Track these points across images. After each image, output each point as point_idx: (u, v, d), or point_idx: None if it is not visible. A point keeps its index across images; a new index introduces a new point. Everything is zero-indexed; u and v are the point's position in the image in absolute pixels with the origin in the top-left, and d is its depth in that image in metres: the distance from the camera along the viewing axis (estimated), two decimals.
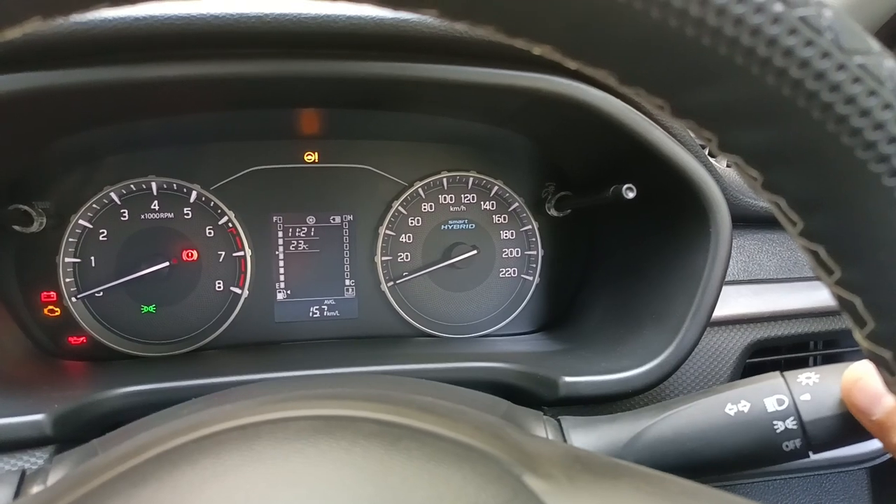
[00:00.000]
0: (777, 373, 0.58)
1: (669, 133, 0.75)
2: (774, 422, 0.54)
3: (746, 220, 0.89)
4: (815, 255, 0.29)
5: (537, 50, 0.29)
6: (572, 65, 0.30)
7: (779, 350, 0.89)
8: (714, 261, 0.72)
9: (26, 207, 0.83)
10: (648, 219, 0.84)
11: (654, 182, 0.78)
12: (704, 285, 0.72)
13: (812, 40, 0.25)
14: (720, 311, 0.76)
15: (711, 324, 0.75)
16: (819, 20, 0.25)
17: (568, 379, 0.73)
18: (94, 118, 0.78)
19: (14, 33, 0.26)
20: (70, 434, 0.68)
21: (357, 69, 0.68)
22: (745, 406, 0.56)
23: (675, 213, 0.78)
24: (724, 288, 0.74)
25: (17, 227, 0.84)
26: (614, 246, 0.95)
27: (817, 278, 0.31)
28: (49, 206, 0.88)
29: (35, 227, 0.85)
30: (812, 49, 0.25)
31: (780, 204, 0.29)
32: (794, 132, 0.27)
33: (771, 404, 0.55)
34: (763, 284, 0.88)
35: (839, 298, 0.30)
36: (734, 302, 0.84)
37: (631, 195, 0.77)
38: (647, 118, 0.73)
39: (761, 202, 0.89)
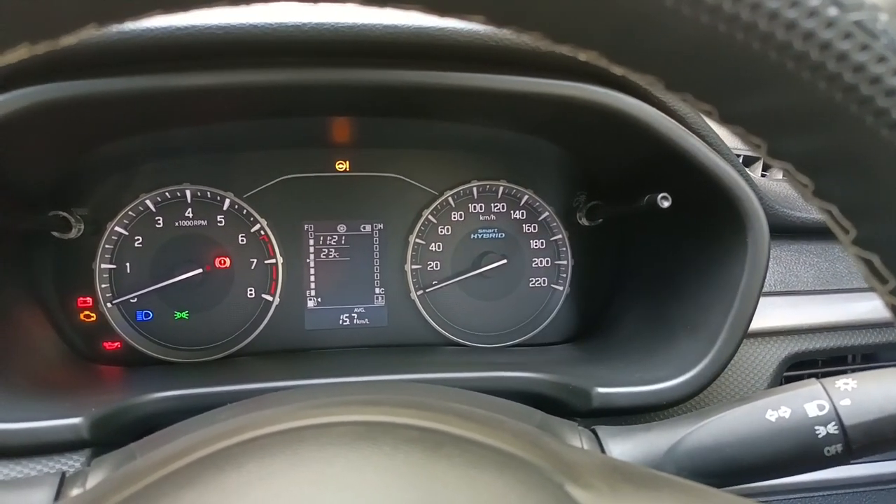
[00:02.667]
0: (814, 379, 0.58)
1: (705, 141, 0.74)
2: (816, 427, 0.54)
3: (783, 230, 0.88)
4: (868, 264, 0.28)
5: (583, 56, 0.29)
6: (618, 70, 0.29)
7: (815, 363, 0.88)
8: (752, 272, 0.71)
9: (65, 214, 0.85)
10: (682, 228, 0.83)
11: (688, 191, 0.77)
12: (742, 296, 0.71)
13: (867, 44, 0.24)
14: (756, 323, 0.74)
15: (748, 335, 0.74)
16: (874, 24, 0.24)
17: (601, 390, 0.72)
18: (133, 126, 0.80)
19: (69, 41, 0.27)
20: (106, 438, 0.69)
21: (393, 78, 0.68)
22: (785, 412, 0.55)
23: (710, 222, 0.78)
24: (761, 299, 0.73)
25: (56, 234, 0.85)
26: (646, 255, 0.94)
27: (857, 290, 0.30)
28: (87, 212, 0.90)
29: (73, 234, 0.87)
30: (867, 53, 0.24)
31: (832, 212, 0.28)
32: (847, 138, 0.26)
33: (812, 410, 0.54)
34: (800, 296, 0.87)
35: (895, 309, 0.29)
36: (771, 314, 0.83)
37: (666, 204, 0.76)
38: (682, 126, 0.73)
39: (798, 212, 0.88)
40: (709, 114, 0.30)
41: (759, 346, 0.83)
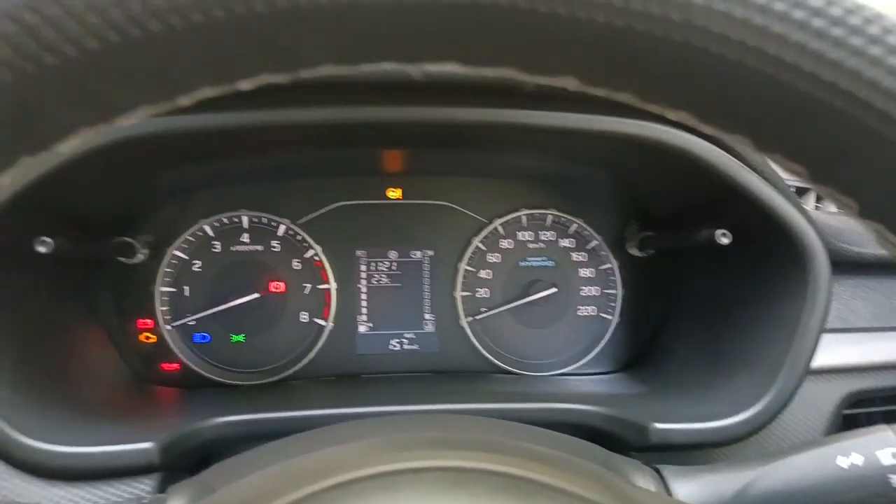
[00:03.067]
0: (885, 426, 0.57)
1: (762, 176, 0.74)
2: (890, 476, 0.53)
3: (840, 265, 0.87)
4: None
5: (672, 116, 0.30)
6: (708, 129, 0.30)
7: (873, 402, 0.86)
8: (813, 309, 0.71)
9: (130, 240, 0.88)
10: (739, 262, 0.83)
11: (746, 225, 0.77)
12: (802, 333, 0.71)
13: None
14: (815, 360, 0.74)
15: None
16: None
17: (659, 426, 0.72)
18: (197, 156, 0.82)
19: (185, 101, 0.28)
20: (173, 462, 0.71)
21: (453, 115, 0.69)
22: (857, 459, 0.55)
23: (768, 257, 0.77)
24: None
25: (120, 259, 0.88)
26: (699, 287, 0.94)
27: None
28: (150, 238, 0.93)
29: (136, 259, 0.90)
30: None
31: None
32: None
33: (885, 457, 0.54)
34: (859, 333, 0.86)
35: None
36: (830, 351, 0.81)
37: (726, 241, 0.76)
38: (739, 162, 0.73)
39: (855, 247, 0.87)
40: (797, 174, 0.30)
41: (818, 384, 0.82)
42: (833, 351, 0.82)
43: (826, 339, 0.82)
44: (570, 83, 0.28)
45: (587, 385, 0.97)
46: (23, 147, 0.24)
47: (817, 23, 0.24)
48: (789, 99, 0.25)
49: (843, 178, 0.29)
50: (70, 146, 0.25)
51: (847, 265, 0.88)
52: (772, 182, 0.75)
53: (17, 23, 0.21)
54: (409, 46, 0.25)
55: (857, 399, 0.84)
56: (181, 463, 0.73)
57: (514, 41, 0.25)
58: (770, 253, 0.77)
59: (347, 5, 0.23)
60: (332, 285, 1.00)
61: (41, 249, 0.67)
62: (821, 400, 0.82)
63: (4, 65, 0.21)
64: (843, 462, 0.54)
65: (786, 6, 0.24)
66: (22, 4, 0.21)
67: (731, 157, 0.73)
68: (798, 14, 0.24)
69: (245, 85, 0.27)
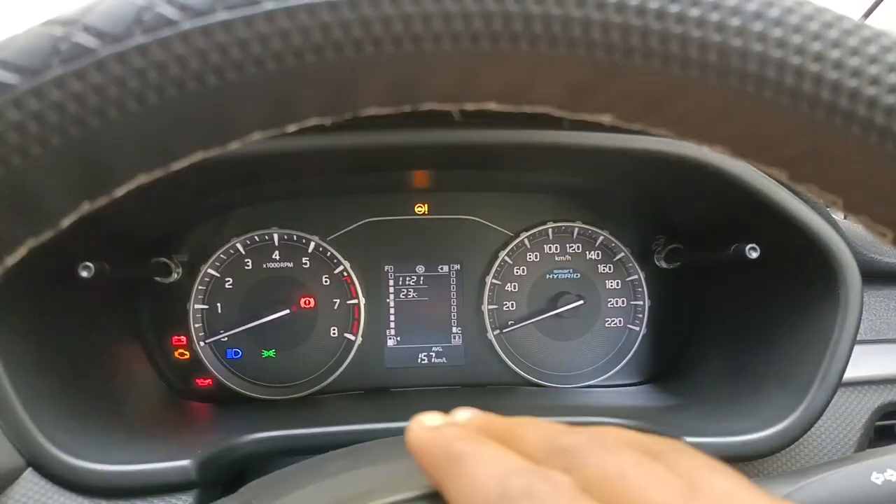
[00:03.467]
0: None
1: (792, 190, 0.74)
2: None
3: (871, 275, 0.86)
4: None
5: (707, 147, 0.30)
6: (742, 160, 0.31)
7: None
8: (844, 322, 0.71)
9: (166, 260, 0.90)
10: (768, 275, 0.83)
11: (775, 239, 0.77)
12: (834, 347, 0.71)
13: None
14: (847, 372, 0.73)
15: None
16: None
17: (689, 440, 0.72)
18: (239, 181, 0.84)
19: (235, 145, 0.29)
20: (208, 478, 0.72)
21: (481, 137, 0.71)
22: (892, 475, 0.54)
23: (798, 270, 0.77)
24: None
25: (158, 279, 0.91)
26: (727, 299, 0.94)
27: None
28: (185, 258, 0.95)
29: (172, 278, 0.92)
30: None
31: None
32: None
33: None
34: (891, 344, 0.85)
35: None
36: (861, 362, 0.81)
37: (755, 255, 0.76)
38: (768, 176, 0.73)
39: (886, 258, 0.87)
40: (833, 204, 0.31)
41: (850, 396, 0.82)
42: (865, 362, 0.82)
43: (857, 350, 0.81)
44: (606, 119, 0.29)
45: (615, 397, 0.98)
46: (87, 194, 0.26)
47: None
48: (833, 142, 0.26)
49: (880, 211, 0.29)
50: (126, 190, 0.27)
51: (878, 275, 0.87)
52: (802, 196, 0.75)
53: (83, 80, 0.22)
54: (453, 93, 0.27)
55: (889, 410, 0.83)
56: (216, 479, 0.75)
57: (557, 90, 0.26)
58: (800, 266, 0.77)
59: (402, 57, 0.24)
60: (361, 300, 1.01)
61: (83, 274, 0.69)
62: (853, 412, 0.81)
63: (76, 123, 0.22)
64: (878, 478, 0.54)
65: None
66: (89, 66, 0.22)
67: (757, 170, 0.73)
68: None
69: (292, 127, 0.28)
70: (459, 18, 0.24)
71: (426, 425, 0.34)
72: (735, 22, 0.24)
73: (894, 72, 0.25)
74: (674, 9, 0.24)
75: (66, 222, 0.26)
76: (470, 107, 0.29)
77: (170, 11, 0.22)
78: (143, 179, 0.26)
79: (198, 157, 0.27)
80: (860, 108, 0.25)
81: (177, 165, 0.27)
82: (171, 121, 0.24)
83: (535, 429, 0.32)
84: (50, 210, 0.25)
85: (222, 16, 0.22)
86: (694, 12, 0.24)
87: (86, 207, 0.26)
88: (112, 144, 0.23)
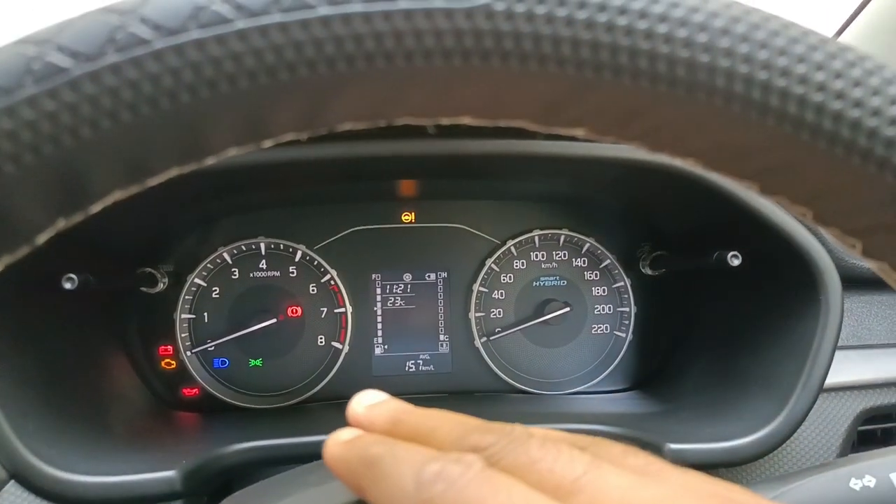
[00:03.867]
0: None
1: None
2: None
3: (852, 281, 0.87)
4: None
5: (679, 161, 0.31)
6: (714, 173, 0.31)
7: (890, 417, 0.86)
8: (825, 328, 0.71)
9: (152, 270, 0.90)
10: (751, 282, 0.84)
11: (758, 247, 0.78)
12: (815, 353, 0.71)
13: None
14: (829, 378, 0.74)
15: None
16: None
17: (674, 446, 0.73)
18: (226, 190, 0.84)
19: (211, 160, 0.29)
20: (194, 489, 0.72)
21: (465, 147, 0.71)
22: (870, 481, 0.55)
23: (781, 278, 0.78)
24: None
25: (143, 289, 0.90)
26: (713, 305, 0.94)
27: None
28: (171, 267, 0.95)
29: (158, 288, 0.92)
30: None
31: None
32: None
33: None
34: (873, 349, 0.86)
35: None
36: (843, 368, 0.82)
37: (736, 263, 0.77)
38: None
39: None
40: (803, 215, 0.31)
41: (833, 402, 0.82)
42: (848, 368, 0.83)
43: (840, 355, 0.82)
44: (580, 133, 0.30)
45: (602, 404, 0.98)
46: (62, 211, 0.26)
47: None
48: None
49: (865, 231, 0.30)
50: (101, 206, 0.27)
51: (860, 281, 0.88)
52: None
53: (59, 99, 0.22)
54: (427, 108, 0.27)
55: (872, 415, 0.84)
56: (202, 489, 0.75)
57: (530, 105, 0.27)
58: (781, 272, 0.78)
59: (375, 74, 0.24)
60: (348, 309, 1.01)
61: (67, 286, 0.69)
62: (835, 417, 0.82)
63: (49, 141, 0.22)
64: (856, 484, 0.54)
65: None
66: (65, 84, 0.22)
67: None
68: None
69: (267, 143, 0.28)
70: (430, 35, 0.24)
71: (341, 440, 0.35)
72: (702, 38, 0.25)
73: (858, 86, 0.25)
74: (642, 26, 0.25)
75: (41, 239, 0.26)
76: (445, 121, 0.29)
77: (144, 31, 0.22)
78: (118, 196, 0.26)
79: (173, 173, 0.27)
80: (826, 121, 0.25)
81: (152, 182, 0.27)
82: (145, 138, 0.24)
83: (447, 425, 0.34)
84: (24, 227, 0.25)
85: (195, 34, 0.23)
86: (662, 29, 0.25)
87: (61, 224, 0.26)
88: (86, 162, 0.24)
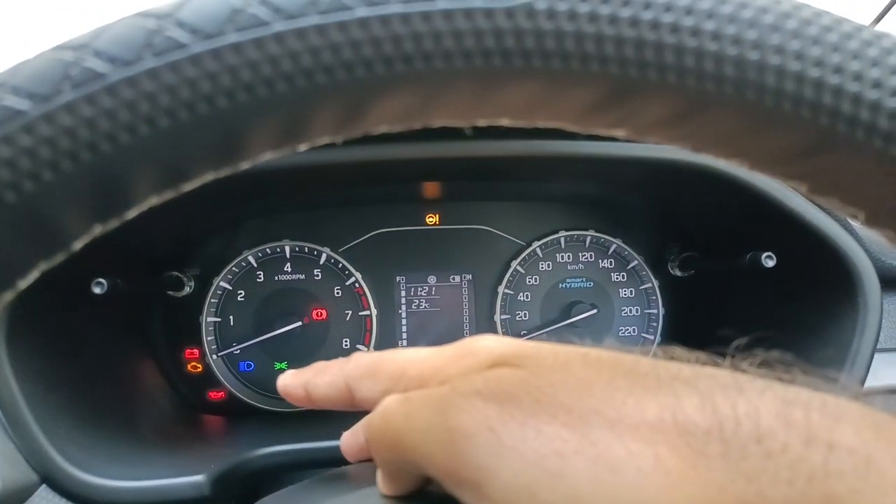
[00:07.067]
0: None
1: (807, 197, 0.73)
2: None
3: (891, 281, 0.85)
4: None
5: (725, 161, 0.30)
6: (760, 173, 0.30)
7: None
8: (864, 331, 0.70)
9: (179, 274, 0.90)
10: (785, 284, 0.82)
11: (792, 247, 0.76)
12: (853, 356, 0.70)
13: None
14: (868, 382, 0.72)
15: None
16: None
17: None
18: (248, 195, 0.84)
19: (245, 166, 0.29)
20: (222, 494, 0.72)
21: (493, 149, 0.70)
22: None
23: (816, 279, 0.76)
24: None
25: (170, 292, 0.91)
26: (744, 307, 0.92)
27: None
28: (197, 271, 0.95)
29: (184, 291, 0.92)
30: None
31: None
32: None
33: None
34: None
35: None
36: (882, 372, 0.80)
37: (771, 264, 0.75)
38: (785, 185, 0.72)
39: None
40: (855, 217, 0.30)
41: (872, 406, 0.80)
42: (885, 372, 0.80)
43: (878, 358, 0.80)
44: (620, 133, 0.29)
45: None
46: (99, 217, 0.25)
47: None
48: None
49: None
50: (137, 212, 0.27)
51: None
52: (819, 203, 0.74)
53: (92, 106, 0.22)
54: (465, 110, 0.26)
55: None
56: (230, 494, 0.75)
57: (572, 106, 0.26)
58: (816, 273, 0.76)
59: (413, 76, 0.24)
60: (373, 311, 1.01)
61: (96, 290, 0.70)
62: None
63: (87, 147, 0.22)
64: None
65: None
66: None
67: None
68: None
69: (303, 147, 0.28)
70: (470, 36, 0.24)
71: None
72: (752, 35, 0.24)
73: None
74: (689, 22, 0.24)
75: (77, 245, 0.26)
76: (482, 123, 0.28)
77: (181, 35, 0.22)
78: (154, 201, 0.26)
79: (209, 178, 0.27)
80: (881, 120, 0.24)
81: (188, 187, 0.26)
82: (182, 143, 0.24)
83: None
84: (62, 234, 0.24)
85: (233, 37, 0.22)
86: (709, 26, 0.24)
87: (98, 230, 0.26)
88: (123, 168, 0.23)
